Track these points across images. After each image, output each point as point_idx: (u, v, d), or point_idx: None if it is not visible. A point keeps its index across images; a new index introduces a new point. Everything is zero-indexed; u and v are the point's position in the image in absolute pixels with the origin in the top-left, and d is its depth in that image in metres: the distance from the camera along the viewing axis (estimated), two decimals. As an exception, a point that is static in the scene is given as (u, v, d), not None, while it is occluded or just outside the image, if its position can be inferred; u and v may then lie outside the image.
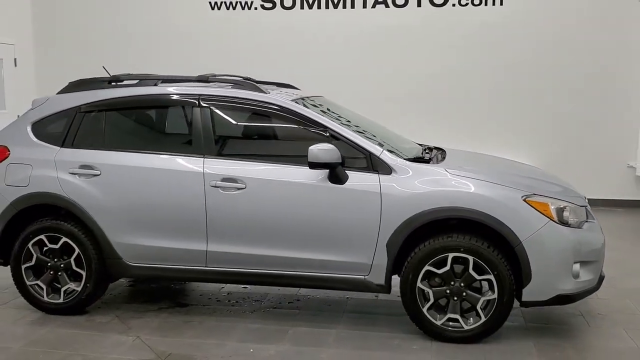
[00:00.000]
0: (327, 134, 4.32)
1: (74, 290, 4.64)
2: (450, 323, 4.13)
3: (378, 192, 4.14)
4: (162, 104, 4.71)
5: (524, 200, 4.03)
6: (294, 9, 9.86)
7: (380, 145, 4.35)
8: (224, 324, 4.55)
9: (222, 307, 4.90)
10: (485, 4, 9.33)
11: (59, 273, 4.64)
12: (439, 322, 4.14)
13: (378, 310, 4.89)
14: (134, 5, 10.28)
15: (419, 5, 9.52)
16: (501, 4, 9.28)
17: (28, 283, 4.69)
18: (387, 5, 9.60)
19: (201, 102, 4.53)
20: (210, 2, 10.07)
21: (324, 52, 9.78)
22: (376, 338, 4.28)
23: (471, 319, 4.11)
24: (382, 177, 4.17)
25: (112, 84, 4.83)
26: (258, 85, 4.62)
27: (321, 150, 4.07)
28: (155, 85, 4.73)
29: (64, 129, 4.71)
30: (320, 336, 4.31)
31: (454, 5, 9.43)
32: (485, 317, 4.07)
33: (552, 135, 9.34)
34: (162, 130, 4.92)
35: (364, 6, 9.66)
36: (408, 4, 9.54)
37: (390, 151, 4.32)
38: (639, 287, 5.38)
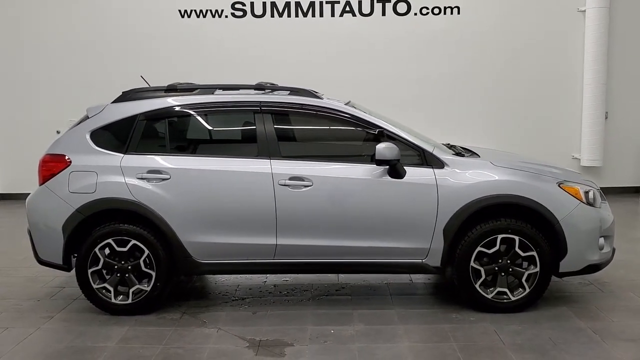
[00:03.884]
0: (380, 134, 4.80)
1: (142, 290, 4.84)
2: (500, 296, 4.75)
3: (434, 184, 4.69)
4: (225, 110, 5.00)
5: (559, 186, 4.74)
6: (264, 17, 10.24)
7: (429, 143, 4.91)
8: (291, 312, 4.93)
9: (277, 298, 5.26)
10: (444, 13, 10.16)
11: (127, 275, 4.83)
12: (489, 296, 4.76)
13: (419, 292, 5.44)
14: (102, 12, 10.24)
15: (383, 14, 10.20)
16: (458, 12, 10.15)
17: (95, 287, 4.84)
18: (354, 14, 10.21)
19: (263, 108, 4.89)
20: (180, 10, 10.24)
21: (293, 59, 10.21)
22: (434, 314, 4.83)
23: (520, 289, 4.75)
24: (437, 170, 4.73)
25: (170, 92, 5.06)
26: (313, 91, 5.05)
27: (386, 148, 4.58)
28: (212, 93, 5.03)
29: (125, 136, 4.89)
30: (384, 316, 4.80)
31: (415, 14, 10.19)
32: (529, 288, 4.74)
33: (506, 131, 10.29)
34: (226, 135, 5.22)
35: (332, 15, 10.21)
36: (374, 13, 10.19)
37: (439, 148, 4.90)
38: (623, 259, 6.26)
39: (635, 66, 10.25)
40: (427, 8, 10.17)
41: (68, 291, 5.49)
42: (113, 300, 4.85)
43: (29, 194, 5.08)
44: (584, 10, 10.01)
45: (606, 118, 10.15)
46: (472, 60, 10.20)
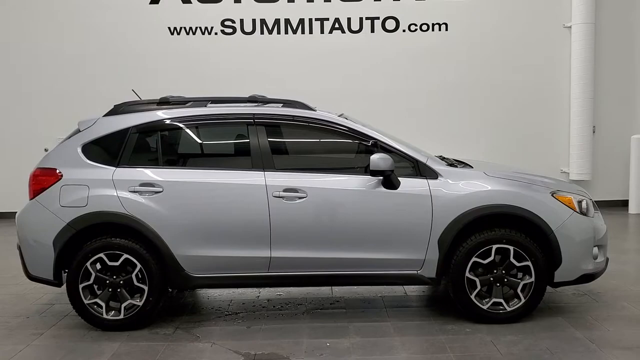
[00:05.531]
0: (374, 145, 4.79)
1: (134, 305, 4.76)
2: (496, 306, 4.73)
3: (428, 195, 4.69)
4: (218, 123, 4.98)
5: (552, 195, 4.75)
6: (254, 34, 10.28)
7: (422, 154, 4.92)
8: (286, 325, 4.87)
9: (271, 313, 5.21)
10: (432, 30, 10.26)
11: (118, 290, 4.75)
12: (485, 307, 4.73)
13: (413, 304, 5.41)
14: (93, 29, 10.23)
15: (372, 31, 10.28)
16: (446, 29, 10.25)
17: (86, 302, 4.76)
18: (343, 31, 10.28)
19: (256, 120, 4.88)
20: (169, 28, 10.25)
21: (283, 75, 10.21)
22: (429, 326, 4.80)
23: (515, 299, 4.73)
24: (431, 181, 4.73)
25: (162, 105, 5.03)
26: (305, 103, 5.05)
27: (380, 159, 4.57)
28: (205, 106, 5.01)
29: (117, 149, 4.85)
30: (380, 329, 4.76)
31: (404, 30, 10.28)
32: (525, 298, 4.72)
33: (493, 146, 10.35)
34: (219, 148, 5.20)
35: (322, 32, 10.27)
36: (362, 30, 10.27)
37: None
38: (616, 269, 6.27)
39: (621, 80, 10.42)
40: (416, 25, 10.28)
41: (58, 308, 5.40)
42: (105, 316, 4.77)
43: (16, 212, 5.01)
44: (570, 26, 10.16)
45: (594, 132, 10.26)
46: (461, 75, 10.30)
